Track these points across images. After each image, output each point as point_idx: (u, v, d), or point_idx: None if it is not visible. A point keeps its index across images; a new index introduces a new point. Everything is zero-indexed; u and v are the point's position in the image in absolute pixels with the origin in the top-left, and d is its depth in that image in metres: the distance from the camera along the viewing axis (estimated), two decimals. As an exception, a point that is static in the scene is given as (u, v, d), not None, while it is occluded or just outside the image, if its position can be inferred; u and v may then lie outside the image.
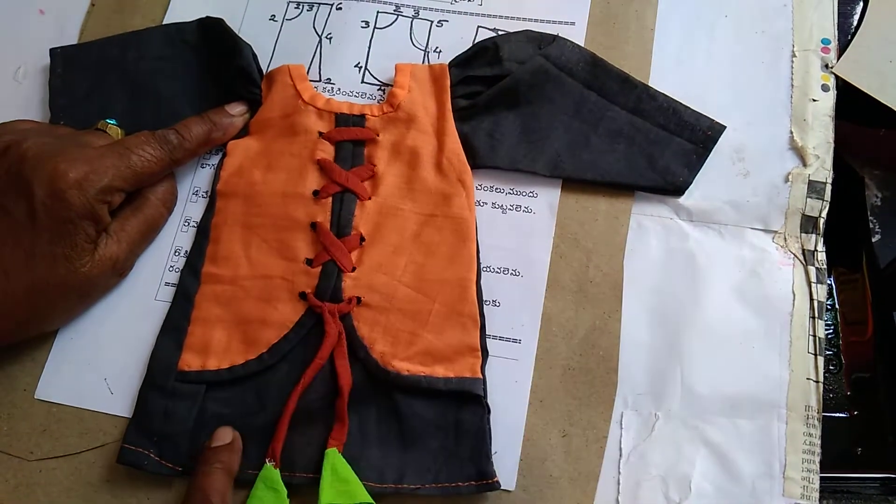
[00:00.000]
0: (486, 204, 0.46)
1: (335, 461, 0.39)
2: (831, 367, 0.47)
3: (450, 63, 0.48)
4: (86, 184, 0.40)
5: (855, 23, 0.51)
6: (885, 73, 0.48)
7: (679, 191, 0.45)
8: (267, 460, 0.40)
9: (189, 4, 0.52)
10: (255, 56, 0.48)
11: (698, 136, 0.46)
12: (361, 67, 0.50)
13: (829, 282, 0.45)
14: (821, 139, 0.46)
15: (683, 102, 0.47)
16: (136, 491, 0.41)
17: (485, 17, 0.51)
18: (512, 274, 0.45)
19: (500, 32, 0.50)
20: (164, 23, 0.51)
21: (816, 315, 0.43)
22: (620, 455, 0.41)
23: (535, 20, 0.50)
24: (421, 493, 0.40)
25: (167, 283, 0.45)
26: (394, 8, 0.51)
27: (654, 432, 0.42)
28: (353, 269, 0.44)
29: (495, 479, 0.39)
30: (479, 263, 0.44)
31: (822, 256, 0.44)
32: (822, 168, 0.46)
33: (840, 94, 0.48)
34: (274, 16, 0.52)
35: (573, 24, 0.50)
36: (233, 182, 0.46)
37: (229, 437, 0.40)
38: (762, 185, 0.46)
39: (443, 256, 0.44)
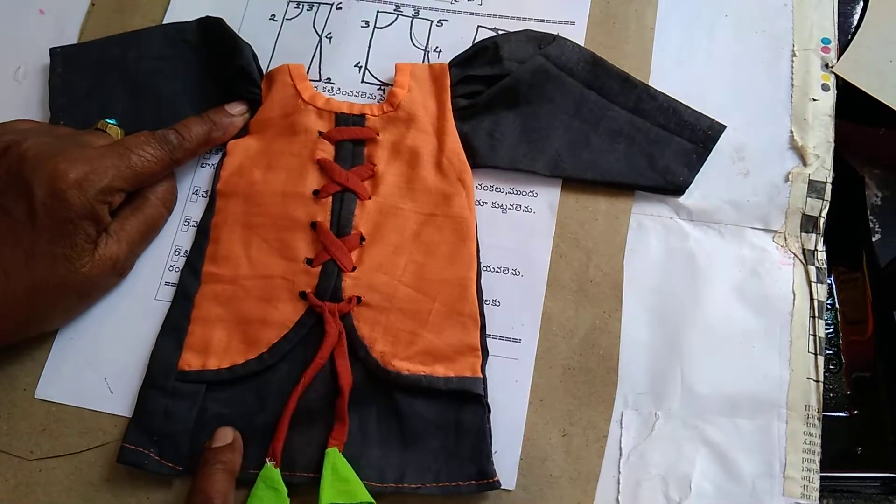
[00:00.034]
0: (487, 203, 0.46)
1: (336, 461, 0.39)
2: (831, 367, 0.47)
3: (450, 62, 0.48)
4: (86, 184, 0.40)
5: (855, 22, 0.51)
6: (885, 72, 0.48)
7: (679, 190, 0.45)
8: (267, 460, 0.40)
9: (189, 4, 0.52)
10: (255, 56, 0.48)
11: (698, 135, 0.46)
12: (361, 67, 0.50)
13: (829, 281, 0.45)
14: (821, 139, 0.46)
15: (683, 102, 0.47)
16: (136, 490, 0.41)
17: (485, 17, 0.51)
18: (512, 273, 0.45)
19: (500, 32, 0.50)
20: (164, 22, 0.51)
21: (816, 314, 0.43)
22: (620, 454, 0.41)
23: (535, 20, 0.50)
24: (421, 493, 0.40)
25: (167, 283, 0.45)
26: (394, 7, 0.51)
27: (654, 432, 0.42)
28: (354, 269, 0.44)
29: (496, 479, 0.39)
30: (479, 263, 0.44)
31: (822, 256, 0.44)
32: (822, 167, 0.46)
33: (840, 93, 0.48)
34: (274, 15, 0.52)
35: (573, 23, 0.50)
36: (233, 182, 0.46)
37: (230, 438, 0.40)
38: (762, 185, 0.46)
39: (443, 256, 0.44)
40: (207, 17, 0.50)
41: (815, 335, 0.43)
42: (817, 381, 0.42)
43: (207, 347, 0.43)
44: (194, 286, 0.44)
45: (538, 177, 0.46)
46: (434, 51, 0.50)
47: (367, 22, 0.51)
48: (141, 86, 0.49)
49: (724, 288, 0.44)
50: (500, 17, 0.51)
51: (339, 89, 0.49)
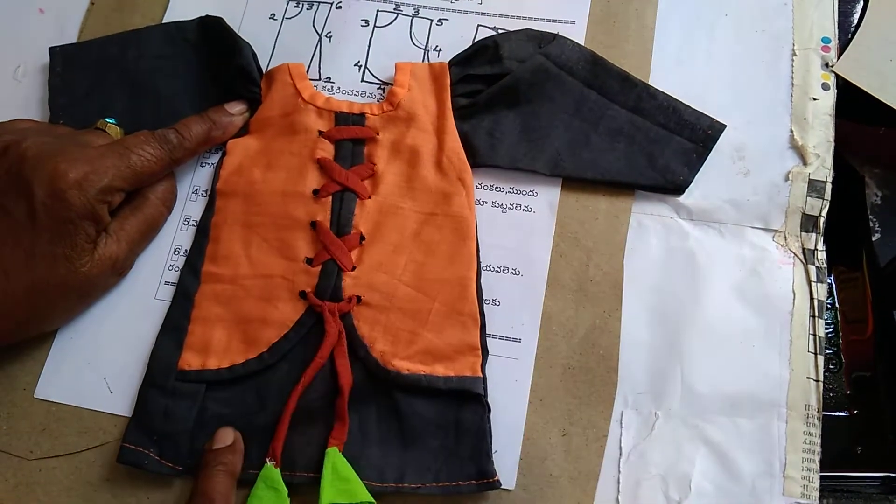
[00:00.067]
0: (487, 203, 0.46)
1: (336, 460, 0.39)
2: (831, 366, 0.47)
3: (450, 62, 0.48)
4: (86, 184, 0.40)
5: (855, 21, 0.51)
6: (885, 71, 0.48)
7: (679, 190, 0.45)
8: (267, 460, 0.40)
9: (189, 3, 0.52)
10: (254, 55, 0.48)
11: (698, 134, 0.46)
12: (361, 66, 0.50)
13: (829, 280, 0.45)
14: (821, 138, 0.46)
15: (683, 101, 0.47)
16: (135, 490, 0.41)
17: (485, 16, 0.51)
18: (512, 273, 0.45)
19: (500, 31, 0.50)
20: (164, 21, 0.51)
21: (816, 314, 0.43)
22: (620, 454, 0.41)
23: (535, 19, 0.50)
24: (421, 492, 0.40)
25: (167, 283, 0.45)
26: (394, 7, 0.51)
27: (654, 431, 0.42)
28: (353, 268, 0.44)
29: (496, 478, 0.39)
30: (479, 262, 0.44)
31: (822, 255, 0.44)
32: (822, 167, 0.46)
33: (840, 92, 0.48)
34: (274, 14, 0.52)
35: (573, 22, 0.50)
36: (232, 181, 0.46)
37: (230, 439, 0.40)
38: (762, 184, 0.46)
39: (443, 255, 0.44)
40: (207, 15, 0.50)
41: (815, 335, 0.43)
42: (817, 381, 0.42)
43: (207, 347, 0.43)
44: (194, 286, 0.44)
45: (538, 176, 0.46)
46: (434, 50, 0.50)
47: (366, 21, 0.51)
48: (140, 85, 0.49)
49: (724, 287, 0.44)
50: (500, 16, 0.50)
51: (338, 88, 0.49)
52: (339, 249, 0.43)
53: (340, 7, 0.51)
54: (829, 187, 0.45)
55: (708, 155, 0.46)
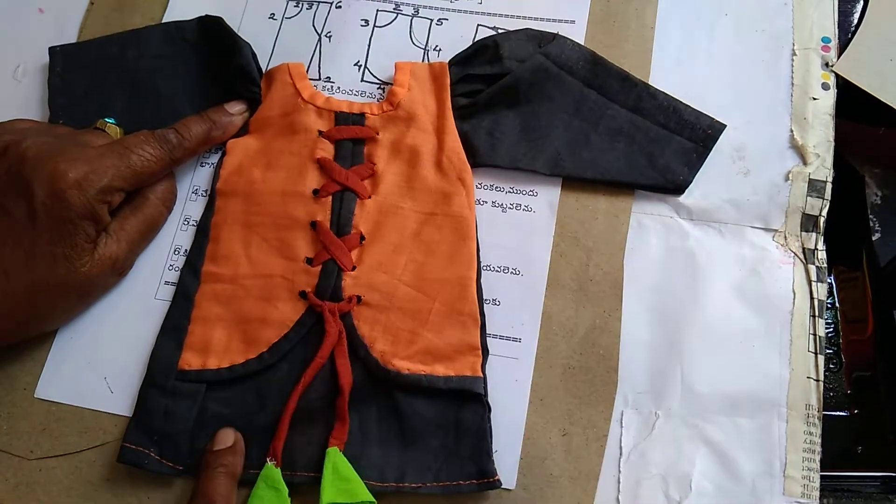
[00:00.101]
0: (487, 202, 0.46)
1: (336, 460, 0.39)
2: (831, 366, 0.47)
3: (450, 61, 0.48)
4: (86, 184, 0.40)
5: (855, 21, 0.51)
6: (885, 71, 0.48)
7: (679, 189, 0.45)
8: (268, 459, 0.40)
9: (188, 2, 0.52)
10: (254, 54, 0.48)
11: (698, 134, 0.46)
12: (361, 66, 0.50)
13: (829, 280, 0.45)
14: (821, 138, 0.46)
15: (683, 101, 0.46)
16: (136, 490, 0.41)
17: (484, 16, 0.51)
18: (512, 273, 0.45)
19: (499, 31, 0.50)
20: (164, 21, 0.51)
21: (817, 313, 0.43)
22: (621, 454, 0.41)
23: (535, 18, 0.50)
24: (422, 492, 0.40)
25: (167, 282, 0.45)
26: (393, 6, 0.51)
27: (654, 431, 0.42)
28: (353, 268, 0.44)
29: (496, 478, 0.40)
30: (479, 262, 0.44)
31: (822, 255, 0.44)
32: (822, 167, 0.46)
33: (840, 92, 0.48)
34: (273, 14, 0.52)
35: (573, 22, 0.50)
36: (232, 181, 0.46)
37: (231, 440, 0.40)
38: (762, 184, 0.46)
39: (443, 255, 0.44)
40: (207, 15, 0.50)
41: (815, 334, 0.43)
42: (817, 381, 0.42)
43: (207, 347, 0.43)
44: (194, 285, 0.44)
45: (538, 176, 0.46)
46: (434, 49, 0.50)
47: (366, 21, 0.51)
48: (140, 85, 0.49)
49: (725, 287, 0.44)
50: (500, 15, 0.50)
51: (338, 88, 0.49)
52: (339, 249, 0.43)
53: (340, 7, 0.51)
54: (829, 187, 0.45)
55: (708, 155, 0.46)
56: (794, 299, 0.43)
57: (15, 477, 0.42)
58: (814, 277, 0.44)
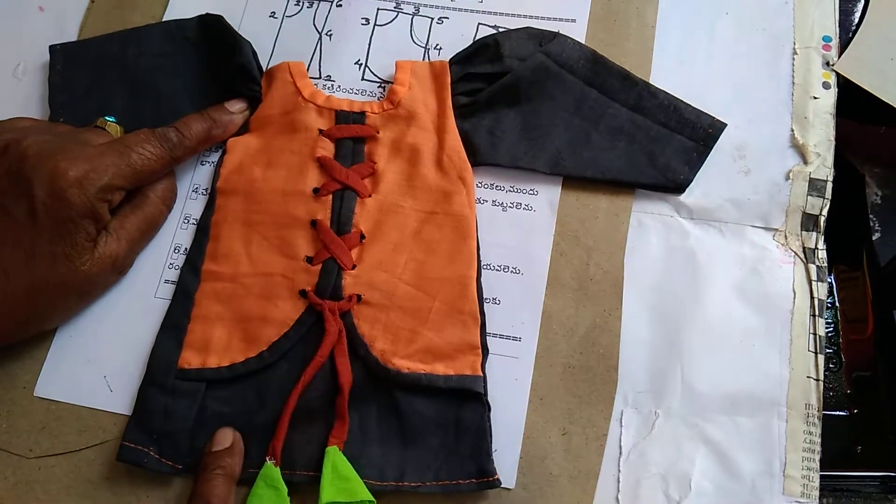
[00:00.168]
0: (487, 201, 0.46)
1: (336, 459, 0.39)
2: (831, 366, 0.47)
3: (450, 60, 0.48)
4: (86, 182, 0.40)
5: (856, 20, 0.51)
6: (886, 70, 0.48)
7: (680, 188, 0.45)
8: (267, 458, 0.40)
9: (189, 1, 0.52)
10: (254, 53, 0.48)
11: (699, 133, 0.46)
12: (361, 64, 0.50)
13: (829, 280, 0.45)
14: (822, 137, 0.46)
15: (684, 100, 0.46)
16: (135, 489, 0.41)
17: (485, 15, 0.51)
18: (512, 272, 0.45)
19: (500, 29, 0.50)
20: (164, 19, 0.51)
21: (817, 313, 0.43)
22: (620, 453, 0.41)
23: (536, 17, 0.50)
24: (421, 491, 0.40)
25: (167, 281, 0.45)
26: (394, 5, 0.51)
27: (654, 430, 0.42)
28: (354, 267, 0.44)
29: (496, 477, 0.40)
30: (479, 261, 0.44)
31: (822, 254, 0.44)
32: (822, 166, 0.46)
33: (841, 91, 0.48)
34: (274, 12, 0.52)
35: (574, 21, 0.50)
36: (233, 179, 0.46)
37: (229, 440, 0.40)
38: (763, 183, 0.46)
39: (443, 254, 0.44)
40: (207, 14, 0.50)
41: (815, 334, 0.43)
42: (817, 380, 0.42)
43: (207, 345, 0.43)
44: (194, 284, 0.44)
45: (539, 175, 0.46)
46: (434, 48, 0.50)
47: (367, 19, 0.51)
48: (140, 83, 0.49)
49: (725, 286, 0.44)
50: (501, 14, 0.50)
51: (339, 87, 0.49)
52: (340, 248, 0.43)
53: (341, 5, 0.51)
54: (829, 186, 0.45)
55: (708, 154, 0.46)
56: (794, 299, 0.43)
57: (14, 475, 0.42)
58: (814, 277, 0.44)
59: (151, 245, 0.46)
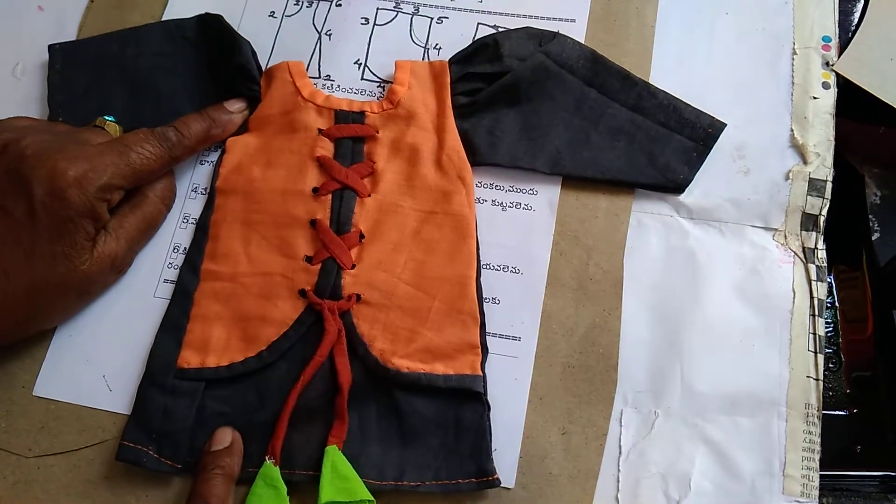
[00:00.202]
0: (486, 201, 0.46)
1: (335, 458, 0.39)
2: (831, 365, 0.47)
3: (450, 60, 0.47)
4: (85, 182, 0.40)
5: (856, 20, 0.51)
6: (885, 70, 0.48)
7: (679, 188, 0.45)
8: (267, 458, 0.40)
9: (188, 0, 0.52)
10: (254, 52, 0.48)
11: (699, 133, 0.46)
12: (361, 64, 0.50)
13: (829, 280, 0.45)
14: (821, 137, 0.46)
15: (684, 100, 0.46)
16: (134, 488, 0.41)
17: (485, 14, 0.51)
18: (512, 271, 0.45)
19: (500, 29, 0.50)
20: (164, 19, 0.51)
21: (816, 313, 0.43)
22: (620, 453, 0.41)
23: (536, 17, 0.50)
24: (421, 491, 0.40)
25: (166, 280, 0.45)
26: (393, 5, 0.51)
27: (653, 430, 0.42)
28: (353, 267, 0.43)
29: (495, 477, 0.39)
30: (479, 261, 0.44)
31: (822, 254, 0.44)
32: (822, 166, 0.46)
33: (841, 91, 0.48)
34: (273, 12, 0.52)
35: (573, 21, 0.50)
36: (232, 179, 0.46)
37: (228, 440, 0.40)
38: (763, 183, 0.46)
39: (443, 254, 0.44)
40: (206, 13, 0.50)
41: (814, 333, 0.43)
42: (817, 380, 0.42)
43: (206, 345, 0.42)
44: (193, 283, 0.44)
45: (538, 174, 0.46)
46: (434, 48, 0.50)
47: (366, 19, 0.51)
48: (140, 83, 0.49)
49: (724, 286, 0.44)
50: (501, 14, 0.50)
51: (338, 86, 0.49)
52: (339, 248, 0.43)
53: (340, 5, 0.51)
54: (829, 186, 0.45)
55: (708, 153, 0.46)
56: (793, 298, 0.43)
57: (13, 475, 0.42)
58: (814, 276, 0.44)
59: (150, 244, 0.46)
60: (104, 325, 0.44)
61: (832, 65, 0.48)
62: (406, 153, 0.46)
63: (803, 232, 0.45)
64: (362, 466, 0.40)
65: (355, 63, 0.50)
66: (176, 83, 0.49)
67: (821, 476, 0.41)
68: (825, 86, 0.48)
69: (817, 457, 0.41)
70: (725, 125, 0.46)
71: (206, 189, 0.47)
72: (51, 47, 0.50)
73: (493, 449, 0.40)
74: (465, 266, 0.43)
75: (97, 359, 0.44)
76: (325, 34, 0.51)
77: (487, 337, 0.43)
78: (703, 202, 0.46)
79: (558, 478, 0.41)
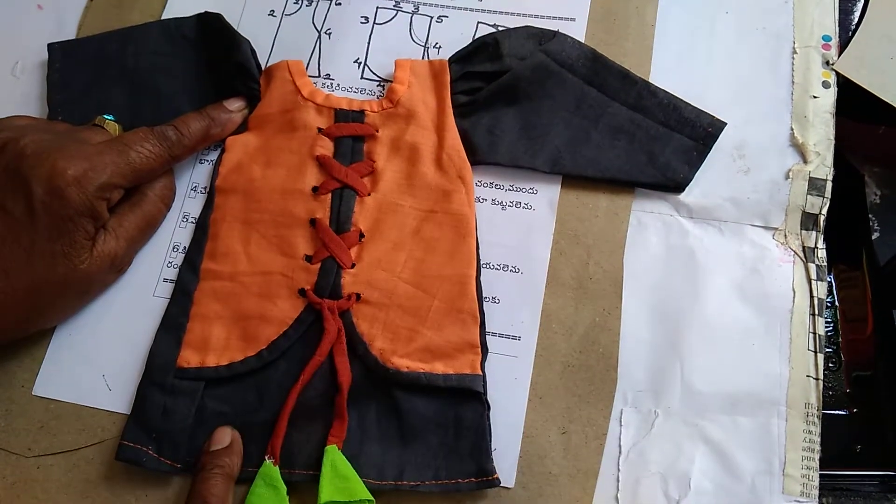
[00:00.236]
0: (486, 200, 0.46)
1: (335, 458, 0.39)
2: (831, 365, 0.47)
3: (450, 59, 0.47)
4: (85, 181, 0.40)
5: (856, 19, 0.51)
6: (885, 70, 0.48)
7: (679, 187, 0.45)
8: (266, 457, 0.40)
9: None
10: (253, 51, 0.48)
11: (699, 132, 0.46)
12: (361, 63, 0.50)
13: (829, 279, 0.45)
14: (821, 136, 0.46)
15: (684, 99, 0.46)
16: (134, 488, 0.41)
17: (485, 13, 0.51)
18: (512, 270, 0.44)
19: (499, 28, 0.50)
20: (163, 17, 0.51)
21: (816, 312, 0.43)
22: (620, 452, 0.41)
23: (536, 16, 0.50)
24: (421, 490, 0.40)
25: (165, 280, 0.45)
26: (393, 3, 0.51)
27: (653, 429, 0.42)
28: (353, 266, 0.43)
29: (495, 476, 0.39)
30: (478, 260, 0.44)
31: (822, 253, 0.44)
32: (822, 165, 0.46)
33: (841, 90, 0.48)
34: (273, 11, 0.52)
35: (573, 20, 0.50)
36: (232, 178, 0.46)
37: (228, 440, 0.40)
38: (763, 182, 0.46)
39: (442, 253, 0.44)
40: (206, 12, 0.50)
41: (814, 333, 0.43)
42: (817, 379, 0.42)
43: (206, 344, 0.42)
44: (193, 283, 0.44)
45: (538, 174, 0.46)
46: (434, 47, 0.50)
47: (366, 18, 0.51)
48: (139, 82, 0.49)
49: (724, 285, 0.44)
50: (500, 13, 0.50)
51: (338, 85, 0.49)
52: (339, 247, 0.43)
53: (340, 4, 0.51)
54: (829, 185, 0.45)
55: (708, 153, 0.46)
56: (793, 298, 0.43)
57: (13, 475, 0.41)
58: (814, 276, 0.44)
59: (150, 243, 0.46)
60: (104, 325, 0.44)
61: (832, 64, 0.48)
62: (406, 152, 0.46)
63: (803, 231, 0.45)
64: (362, 466, 0.40)
65: (355, 62, 0.50)
66: (175, 82, 0.49)
67: (821, 476, 0.41)
68: (825, 85, 0.47)
69: (817, 456, 0.41)
70: (725, 124, 0.46)
71: (205, 188, 0.47)
72: (50, 46, 0.50)
73: (492, 448, 0.40)
74: (465, 265, 0.43)
75: (97, 358, 0.44)
76: (325, 33, 0.51)
77: (487, 336, 0.43)
78: (703, 201, 0.46)
79: (558, 477, 0.41)
